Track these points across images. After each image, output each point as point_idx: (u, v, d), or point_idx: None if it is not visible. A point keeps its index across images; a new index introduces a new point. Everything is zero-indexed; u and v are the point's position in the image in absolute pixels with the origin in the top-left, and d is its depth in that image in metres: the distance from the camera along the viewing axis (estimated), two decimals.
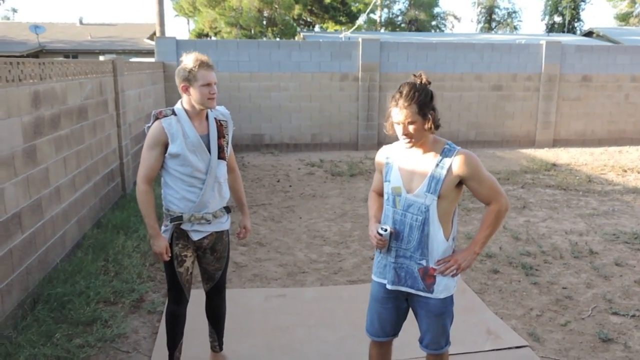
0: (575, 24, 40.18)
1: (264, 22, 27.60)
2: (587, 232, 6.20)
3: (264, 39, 26.96)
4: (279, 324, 3.98)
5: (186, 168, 2.84)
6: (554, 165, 10.25)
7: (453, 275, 2.52)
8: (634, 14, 36.60)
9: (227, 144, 3.02)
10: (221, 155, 2.95)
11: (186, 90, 2.80)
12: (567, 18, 38.84)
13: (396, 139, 2.55)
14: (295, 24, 30.64)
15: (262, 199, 7.69)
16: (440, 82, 11.82)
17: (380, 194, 2.73)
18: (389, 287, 2.58)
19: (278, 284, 4.76)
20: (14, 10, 41.19)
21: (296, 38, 26.89)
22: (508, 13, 46.33)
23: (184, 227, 2.92)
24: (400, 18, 41.54)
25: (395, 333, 2.72)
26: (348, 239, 5.97)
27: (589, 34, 24.23)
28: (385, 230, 2.49)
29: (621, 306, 4.29)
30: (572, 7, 39.31)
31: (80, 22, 27.61)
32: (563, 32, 36.41)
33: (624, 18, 37.27)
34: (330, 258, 5.40)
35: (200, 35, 30.45)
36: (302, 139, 11.92)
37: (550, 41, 12.58)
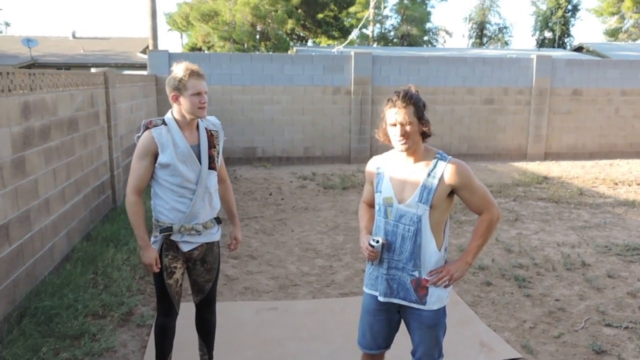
0: (566, 40, 40.66)
1: (257, 37, 27.75)
2: (579, 244, 6.20)
3: (257, 52, 27.06)
4: (270, 337, 3.93)
5: (176, 178, 2.81)
6: (546, 178, 10.29)
7: (446, 286, 2.50)
8: (623, 29, 37.06)
9: (218, 154, 2.99)
10: (212, 166, 2.93)
11: (176, 99, 2.78)
12: (557, 33, 39.31)
13: (387, 148, 2.54)
14: (288, 39, 30.82)
15: (254, 212, 7.65)
16: (432, 96, 11.87)
17: (371, 205, 2.71)
18: (380, 299, 2.55)
19: (270, 297, 4.71)
20: (7, 24, 41.18)
21: (289, 52, 27.02)
22: (499, 28, 46.86)
23: (173, 238, 2.88)
24: (392, 33, 41.88)
25: (387, 345, 2.68)
26: (340, 252, 5.94)
27: (579, 49, 24.47)
28: (377, 241, 2.47)
29: (614, 318, 4.28)
30: (562, 22, 39.81)
31: (73, 36, 27.59)
32: (553, 47, 36.85)
33: (613, 34, 37.72)
34: (323, 271, 5.37)
35: (194, 49, 30.55)
36: (295, 152, 11.92)
37: (540, 55, 12.71)
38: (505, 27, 47.01)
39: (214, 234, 3.03)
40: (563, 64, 12.54)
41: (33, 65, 22.25)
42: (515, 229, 6.79)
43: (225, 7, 26.39)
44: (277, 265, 5.51)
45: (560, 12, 39.72)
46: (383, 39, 41.15)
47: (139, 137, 2.82)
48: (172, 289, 2.95)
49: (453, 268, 2.49)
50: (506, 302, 4.58)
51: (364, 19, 27.98)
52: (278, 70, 11.56)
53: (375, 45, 37.86)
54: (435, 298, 2.49)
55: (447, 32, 51.13)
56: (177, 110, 2.83)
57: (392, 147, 2.53)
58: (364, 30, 38.54)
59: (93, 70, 6.76)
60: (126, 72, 14.51)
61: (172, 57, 11.11)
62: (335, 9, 32.66)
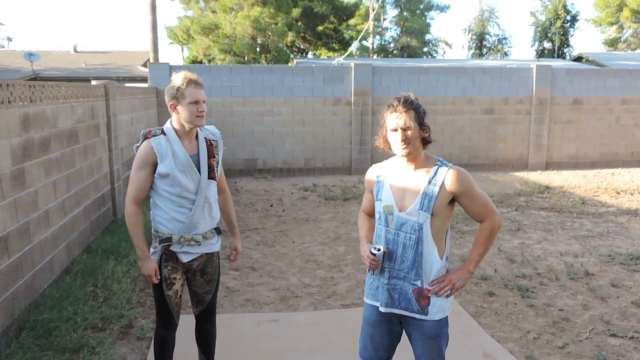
0: (565, 50, 40.76)
1: (258, 49, 27.86)
2: (582, 253, 6.15)
3: (257, 64, 27.16)
4: (271, 349, 3.89)
5: (175, 188, 2.79)
6: (547, 187, 10.25)
7: (447, 296, 2.47)
8: (622, 39, 37.18)
9: (218, 163, 2.98)
10: (211, 175, 2.91)
11: (174, 108, 2.78)
12: (557, 44, 39.43)
13: (387, 156, 2.52)
14: (288, 51, 30.96)
15: (255, 224, 7.62)
16: (432, 106, 11.88)
17: (370, 215, 2.69)
18: (382, 309, 2.51)
19: (271, 309, 4.67)
20: (9, 39, 41.40)
21: (289, 64, 27.13)
22: (498, 39, 46.99)
23: (173, 248, 2.85)
24: (392, 45, 42.05)
25: (389, 357, 2.64)
26: (341, 263, 5.90)
27: (578, 59, 24.54)
28: (379, 250, 2.44)
29: (619, 328, 4.23)
30: (561, 33, 39.94)
31: (75, 50, 27.72)
32: (553, 57, 36.93)
33: (612, 43, 37.84)
34: (324, 282, 5.33)
35: (194, 62, 30.66)
36: (296, 163, 11.91)
37: (540, 65, 12.73)
38: (505, 38, 47.11)
39: (214, 245, 3.00)
40: (563, 73, 12.56)
41: (35, 79, 22.34)
42: (517, 239, 6.75)
43: (225, 20, 26.53)
44: (278, 276, 5.48)
45: (559, 23, 39.87)
46: (383, 51, 41.33)
47: (138, 147, 2.81)
48: (172, 300, 2.92)
49: (455, 277, 2.46)
50: (509, 312, 4.53)
51: (363, 31, 28.09)
52: (278, 82, 11.59)
53: (375, 57, 38.01)
54: (437, 308, 2.45)
55: (446, 44, 51.43)
56: (176, 119, 2.82)
57: (392, 155, 2.51)
58: (363, 42, 38.75)
59: (93, 82, 6.77)
60: (127, 84, 14.56)
61: (172, 70, 11.11)
62: (335, 21, 32.88)
